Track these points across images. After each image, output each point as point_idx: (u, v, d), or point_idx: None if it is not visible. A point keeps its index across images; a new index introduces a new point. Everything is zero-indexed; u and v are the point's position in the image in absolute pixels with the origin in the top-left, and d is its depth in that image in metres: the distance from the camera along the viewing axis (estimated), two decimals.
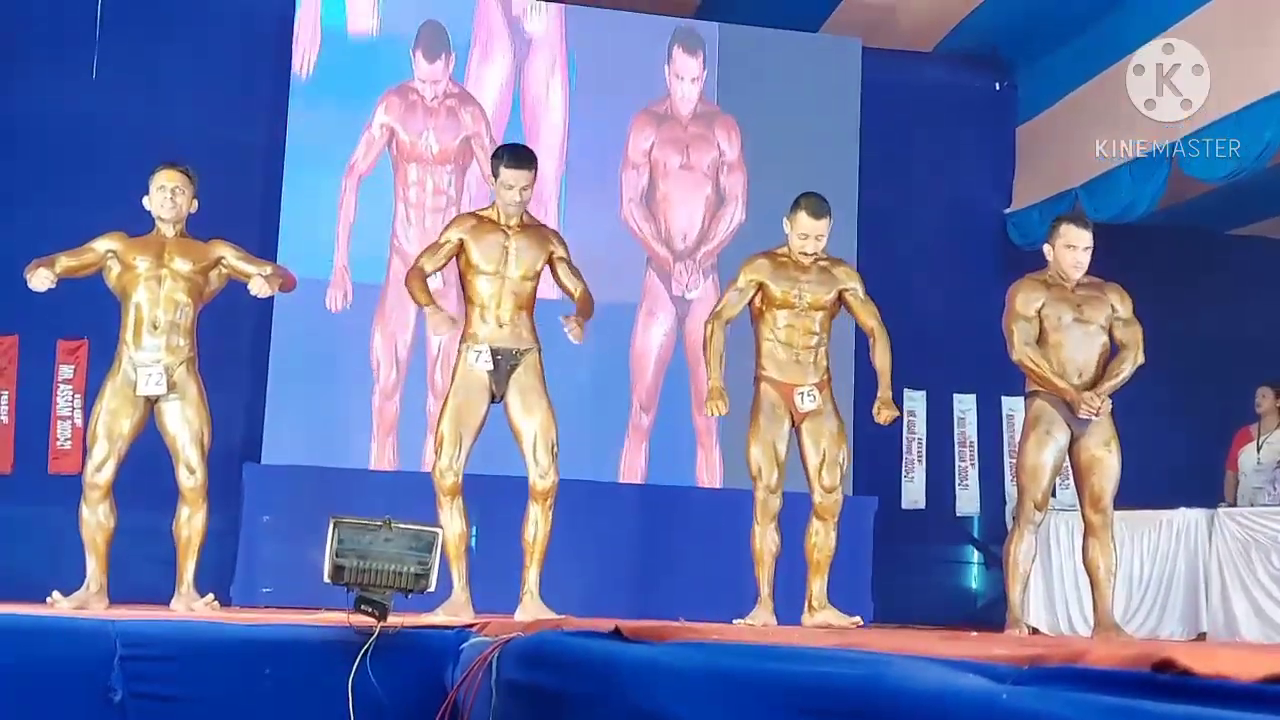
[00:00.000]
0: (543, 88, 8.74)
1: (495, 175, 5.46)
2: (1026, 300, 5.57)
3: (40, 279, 5.30)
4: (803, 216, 5.67)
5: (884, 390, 5.72)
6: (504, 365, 5.38)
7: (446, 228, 5.61)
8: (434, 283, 5.71)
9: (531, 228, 5.55)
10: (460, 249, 5.46)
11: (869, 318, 5.79)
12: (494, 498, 6.53)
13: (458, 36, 8.66)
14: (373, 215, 8.38)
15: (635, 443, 8.54)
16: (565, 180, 8.67)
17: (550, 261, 5.53)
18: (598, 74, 8.78)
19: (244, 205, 8.13)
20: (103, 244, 5.46)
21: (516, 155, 5.48)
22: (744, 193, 8.85)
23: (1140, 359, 5.57)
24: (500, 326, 5.41)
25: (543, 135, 8.59)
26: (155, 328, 5.36)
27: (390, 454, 8.20)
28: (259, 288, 5.48)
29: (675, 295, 8.72)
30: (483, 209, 5.66)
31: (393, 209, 8.43)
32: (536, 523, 5.39)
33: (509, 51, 8.72)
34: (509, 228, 5.47)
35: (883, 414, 5.72)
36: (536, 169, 5.55)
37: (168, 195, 5.46)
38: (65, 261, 5.39)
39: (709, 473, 8.59)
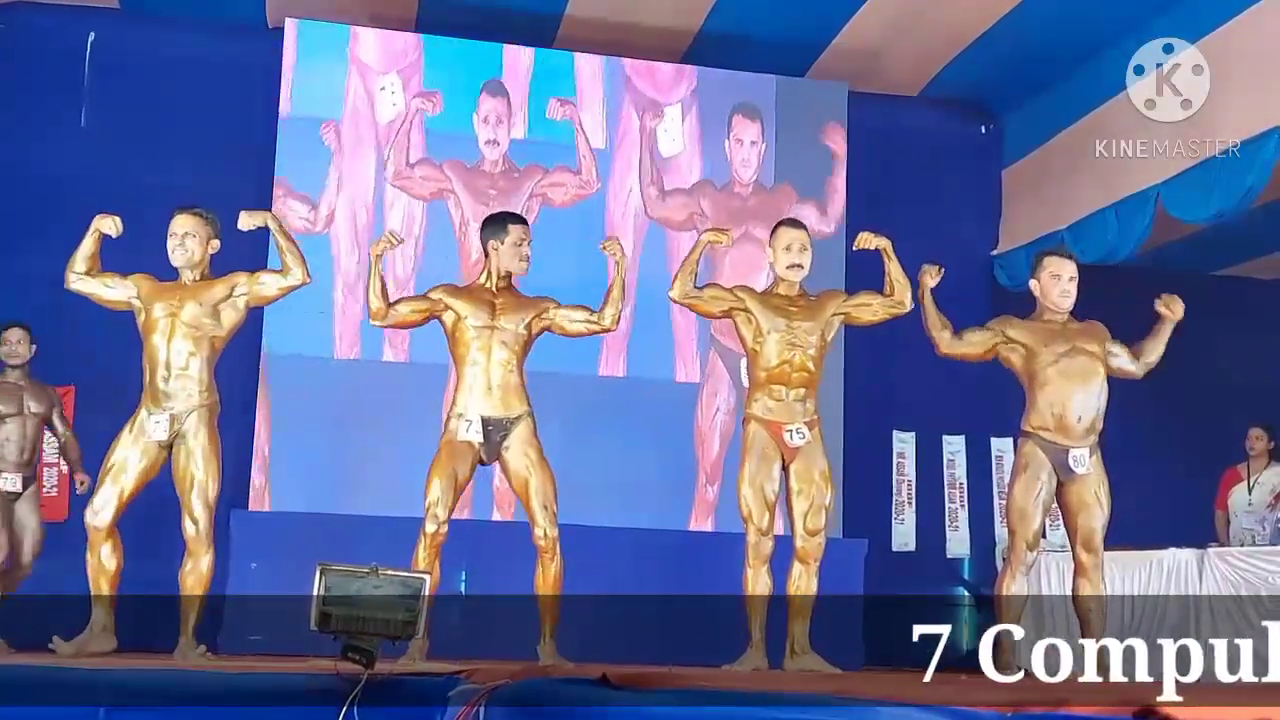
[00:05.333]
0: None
1: (497, 237, 5.54)
2: (1001, 319, 5.78)
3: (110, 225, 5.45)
4: (782, 230, 5.75)
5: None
6: (494, 436, 5.43)
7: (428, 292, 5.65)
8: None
9: (517, 291, 5.61)
10: (445, 309, 5.51)
11: (871, 296, 5.89)
12: (487, 542, 6.51)
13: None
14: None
15: (702, 514, 8.55)
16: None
17: (546, 318, 5.55)
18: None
19: (233, 254, 8.12)
20: (131, 279, 5.49)
21: (516, 215, 5.74)
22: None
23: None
24: (490, 390, 5.43)
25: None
26: (168, 376, 5.36)
27: (467, 512, 8.15)
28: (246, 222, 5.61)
29: (735, 376, 8.60)
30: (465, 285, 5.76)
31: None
32: (544, 575, 5.51)
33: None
34: (495, 289, 5.54)
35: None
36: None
37: (179, 241, 5.48)
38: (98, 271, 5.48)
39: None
